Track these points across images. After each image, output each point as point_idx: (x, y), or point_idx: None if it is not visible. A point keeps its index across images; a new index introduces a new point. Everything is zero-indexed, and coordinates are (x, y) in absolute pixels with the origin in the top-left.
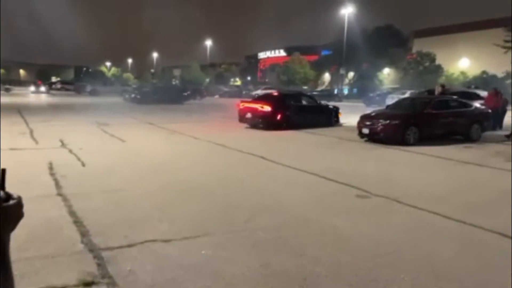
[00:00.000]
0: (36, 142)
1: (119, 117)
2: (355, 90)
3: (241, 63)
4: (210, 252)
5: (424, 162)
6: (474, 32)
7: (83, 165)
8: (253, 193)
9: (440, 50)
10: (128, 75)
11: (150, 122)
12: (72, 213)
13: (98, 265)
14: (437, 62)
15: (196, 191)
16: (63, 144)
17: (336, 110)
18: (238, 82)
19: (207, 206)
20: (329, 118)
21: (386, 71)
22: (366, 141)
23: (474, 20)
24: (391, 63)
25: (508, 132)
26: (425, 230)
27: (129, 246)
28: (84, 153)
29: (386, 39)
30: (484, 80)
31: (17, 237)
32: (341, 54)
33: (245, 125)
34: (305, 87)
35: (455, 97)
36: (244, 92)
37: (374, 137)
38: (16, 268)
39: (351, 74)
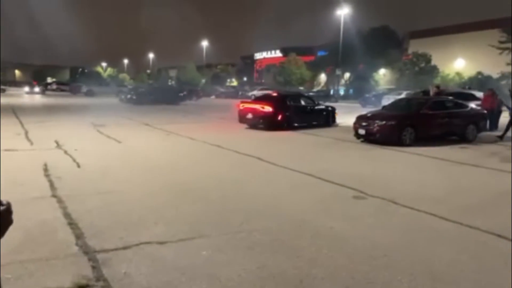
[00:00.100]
0: (31, 143)
1: (115, 118)
2: (351, 90)
3: (237, 63)
4: (206, 254)
5: (420, 162)
6: (470, 33)
7: (79, 166)
8: (249, 194)
9: (435, 51)
10: (124, 76)
11: (146, 123)
12: (67, 215)
13: (93, 267)
14: (433, 63)
15: (192, 192)
16: (58, 145)
17: (332, 111)
18: (235, 82)
19: (203, 207)
20: (327, 118)
21: (382, 72)
22: (362, 141)
23: (469, 21)
24: (387, 64)
25: (501, 133)
26: (422, 231)
27: (125, 248)
28: (80, 154)
29: (382, 40)
30: (479, 81)
31: (12, 239)
32: (337, 55)
33: (241, 125)
34: (301, 88)
35: (450, 97)
36: (240, 93)
37: (370, 138)
38: (10, 271)
39: (347, 75)
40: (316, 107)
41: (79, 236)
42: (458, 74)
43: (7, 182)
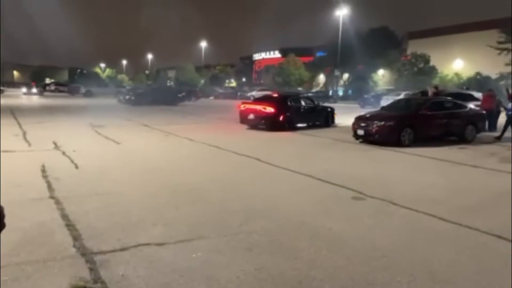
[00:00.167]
0: (29, 144)
1: (114, 118)
2: (350, 91)
3: (236, 64)
4: (204, 255)
5: (419, 163)
6: (468, 34)
7: (77, 167)
8: (248, 195)
9: (434, 51)
10: (123, 77)
11: (145, 124)
12: (64, 216)
13: (90, 269)
14: (432, 63)
15: (190, 193)
16: (56, 146)
17: (332, 111)
18: (233, 83)
19: (202, 208)
20: (326, 119)
21: (381, 72)
22: (361, 142)
23: (468, 22)
24: (386, 65)
25: (499, 134)
26: (421, 232)
27: (122, 250)
28: (78, 156)
29: (381, 41)
30: (478, 81)
31: (9, 241)
32: (336, 56)
33: (239, 126)
34: (300, 89)
35: (449, 98)
36: (239, 94)
37: (369, 139)
38: (7, 273)
39: (346, 76)
40: (316, 108)
41: (76, 237)
42: (457, 74)
43: (5, 183)
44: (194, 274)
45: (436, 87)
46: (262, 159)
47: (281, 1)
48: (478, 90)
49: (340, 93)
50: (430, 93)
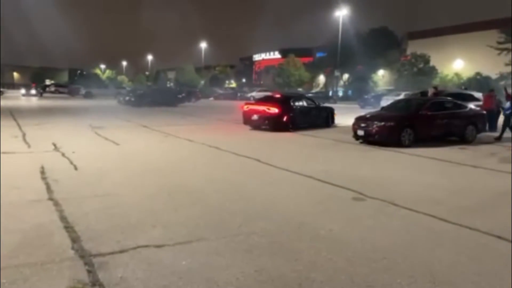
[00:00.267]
0: (29, 146)
1: (113, 120)
2: (350, 91)
3: (236, 65)
4: (203, 257)
5: (420, 163)
6: (468, 34)
7: (76, 169)
8: (247, 197)
9: (434, 51)
10: (123, 78)
11: (145, 125)
12: (63, 218)
13: (89, 272)
14: (431, 63)
15: (190, 195)
16: (55, 148)
17: (332, 111)
18: (233, 84)
19: (202, 210)
20: (327, 119)
21: (381, 72)
22: (361, 143)
23: (468, 22)
24: (386, 65)
25: (498, 134)
26: (421, 233)
27: (121, 252)
28: (77, 157)
29: (381, 41)
30: (478, 81)
31: (7, 243)
32: (335, 56)
33: (240, 127)
34: (300, 89)
35: (449, 98)
36: (239, 94)
37: (369, 139)
38: (5, 275)
39: (345, 76)
40: (317, 108)
41: (75, 239)
42: (457, 74)
43: (4, 185)
44: (193, 276)
45: (435, 88)
46: (262, 160)
47: (281, 1)
48: (478, 90)
49: (340, 93)
50: (430, 94)
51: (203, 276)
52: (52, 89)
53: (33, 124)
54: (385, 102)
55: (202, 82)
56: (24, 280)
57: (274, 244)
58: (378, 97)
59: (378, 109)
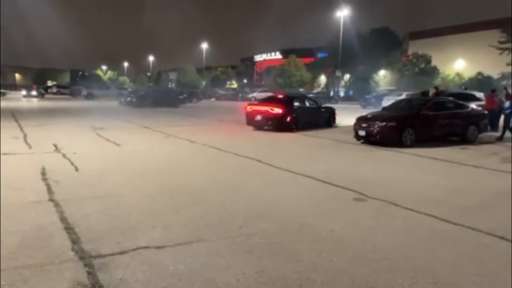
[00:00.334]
0: (30, 147)
1: (115, 121)
2: (351, 92)
3: (237, 65)
4: (204, 258)
5: (421, 164)
6: (469, 34)
7: (77, 170)
8: (248, 197)
9: (435, 51)
10: (124, 79)
11: (146, 126)
12: (63, 219)
13: (89, 273)
14: (433, 63)
15: (191, 196)
16: (56, 149)
17: (333, 112)
18: (235, 85)
19: (202, 211)
20: (328, 119)
21: (382, 73)
22: (362, 143)
23: (469, 22)
24: (387, 65)
25: (499, 134)
26: (423, 233)
27: (121, 253)
28: (78, 158)
29: (382, 41)
30: (479, 81)
31: (7, 245)
32: (337, 57)
33: (241, 128)
34: (301, 90)
35: (451, 98)
36: (240, 95)
37: (370, 139)
38: (6, 277)
39: (347, 76)
40: (319, 108)
41: (75, 241)
42: (458, 74)
43: (5, 186)
44: (194, 277)
45: (436, 88)
46: (264, 160)
47: (282, 2)
48: (480, 90)
49: (342, 93)
50: (430, 94)
51: (203, 277)
52: (54, 90)
53: (34, 125)
54: (387, 102)
55: (204, 82)
56: (24, 282)
57: (275, 245)
58: (380, 97)
59: (379, 109)
